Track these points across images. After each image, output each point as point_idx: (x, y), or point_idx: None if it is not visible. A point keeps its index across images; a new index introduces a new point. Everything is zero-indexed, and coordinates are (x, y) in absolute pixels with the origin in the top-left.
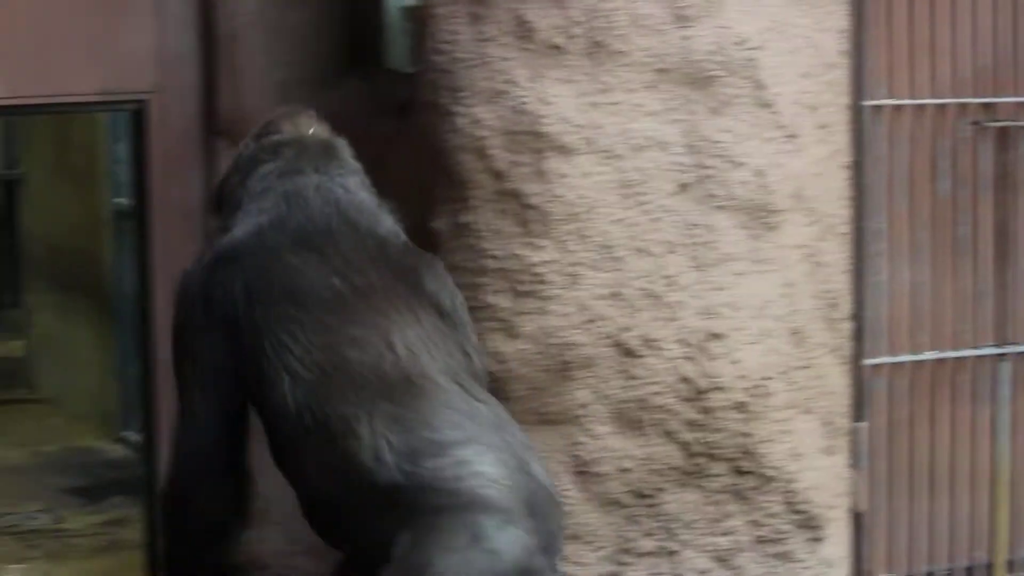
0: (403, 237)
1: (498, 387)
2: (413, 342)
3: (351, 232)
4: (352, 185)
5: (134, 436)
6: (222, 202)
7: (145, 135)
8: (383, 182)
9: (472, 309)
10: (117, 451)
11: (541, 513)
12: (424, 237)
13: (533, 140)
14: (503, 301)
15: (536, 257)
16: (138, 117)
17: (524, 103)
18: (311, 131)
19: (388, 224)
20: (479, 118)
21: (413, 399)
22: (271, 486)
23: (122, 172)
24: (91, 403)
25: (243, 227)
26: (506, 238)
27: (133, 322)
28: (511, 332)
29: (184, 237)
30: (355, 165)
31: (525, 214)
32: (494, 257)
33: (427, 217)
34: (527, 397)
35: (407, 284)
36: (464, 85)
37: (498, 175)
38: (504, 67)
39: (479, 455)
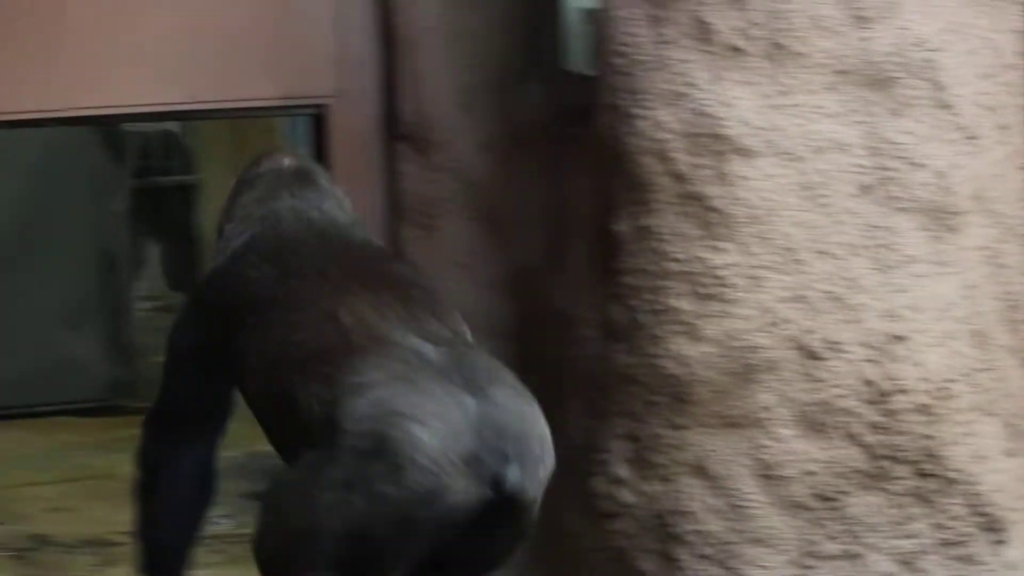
0: (378, 244)
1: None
2: (363, 310)
3: (319, 241)
4: (327, 207)
5: None
6: (219, 232)
7: (325, 140)
8: (563, 186)
9: (654, 313)
10: None
11: (496, 437)
12: (604, 241)
13: (714, 142)
14: (686, 304)
15: (718, 260)
16: (318, 122)
17: (705, 105)
18: (287, 162)
19: (362, 235)
20: (660, 121)
21: (349, 355)
22: None
23: None
24: None
25: (222, 253)
26: (688, 241)
27: None
28: (694, 335)
29: None
30: (331, 190)
31: (707, 217)
32: (676, 260)
33: (608, 220)
34: (710, 400)
35: (370, 269)
36: (644, 88)
37: (679, 178)
38: (684, 69)
39: (401, 393)
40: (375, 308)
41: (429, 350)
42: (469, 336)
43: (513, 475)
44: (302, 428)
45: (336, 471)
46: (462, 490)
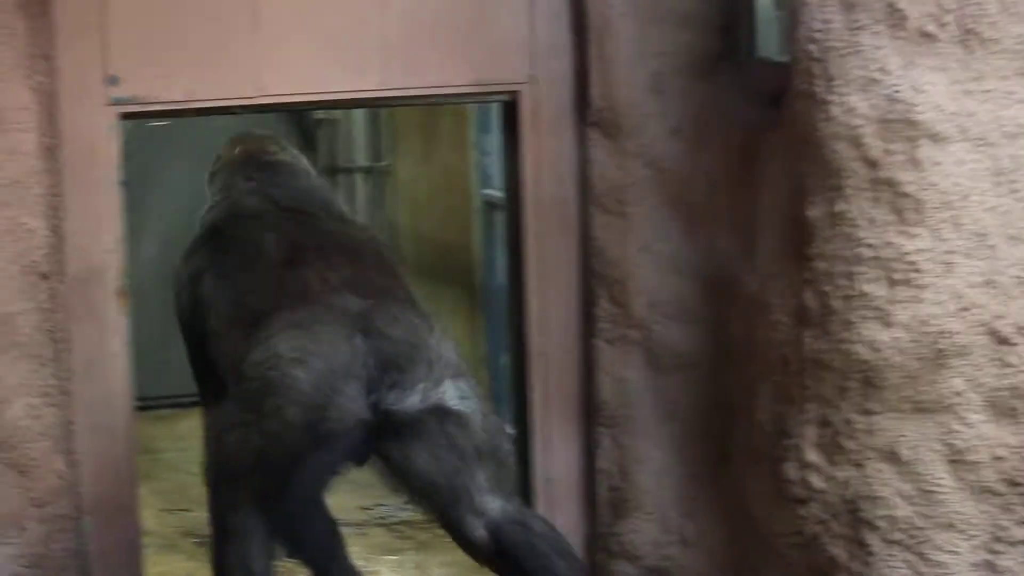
0: (338, 208)
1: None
2: (308, 275)
3: (276, 212)
4: (297, 183)
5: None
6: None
7: (517, 126)
8: (754, 172)
9: (846, 298)
10: None
11: (381, 367)
12: (797, 227)
13: (907, 128)
14: (878, 290)
15: (910, 245)
16: (511, 108)
17: (897, 91)
18: (238, 151)
19: (321, 203)
20: (853, 106)
21: (271, 314)
22: (645, 476)
23: (490, 164)
24: None
25: (198, 229)
26: (880, 227)
27: (502, 313)
28: (886, 321)
29: (557, 228)
30: (304, 169)
31: (899, 202)
32: (869, 246)
33: (800, 206)
34: (901, 385)
35: (321, 232)
36: (837, 74)
37: (872, 163)
38: (877, 55)
39: (287, 338)
40: (319, 272)
41: (354, 303)
42: (408, 292)
43: (392, 399)
44: (227, 383)
45: (235, 413)
46: (339, 417)
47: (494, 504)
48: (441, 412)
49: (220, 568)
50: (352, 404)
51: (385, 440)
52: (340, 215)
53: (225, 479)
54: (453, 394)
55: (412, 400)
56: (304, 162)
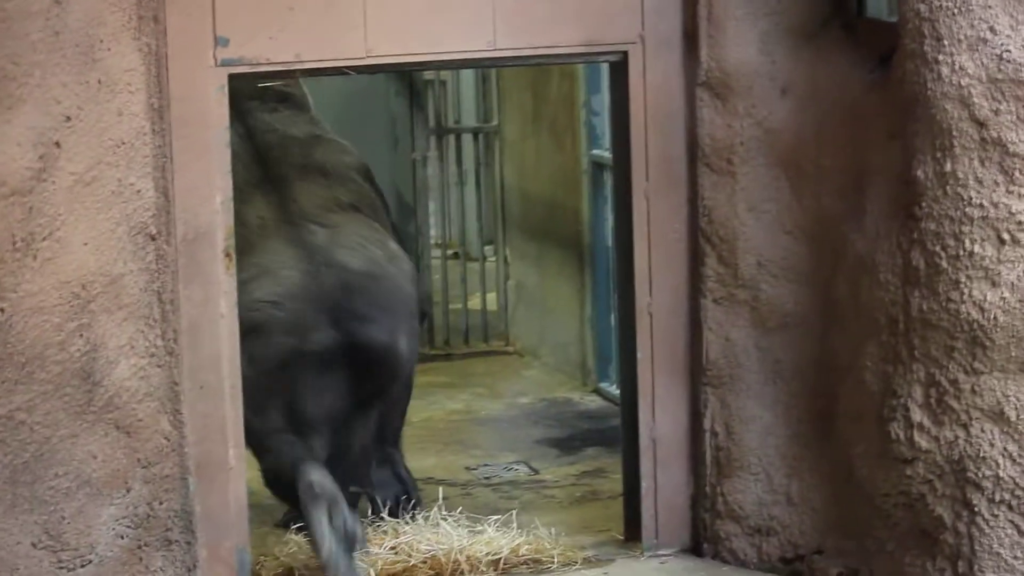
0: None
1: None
2: (265, 209)
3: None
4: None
5: (611, 388)
6: None
7: (626, 86)
8: (863, 132)
9: (954, 258)
10: (593, 402)
11: (347, 299)
12: (904, 186)
13: (1016, 87)
14: (986, 250)
15: (1019, 206)
16: (620, 68)
17: (1007, 51)
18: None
19: (306, 135)
20: (961, 66)
21: (246, 255)
22: (750, 436)
23: (599, 124)
24: (567, 355)
25: None
26: (989, 187)
27: (610, 273)
28: (993, 281)
29: (666, 187)
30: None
31: (1008, 162)
32: (978, 206)
33: (908, 166)
34: (1008, 345)
35: (292, 167)
36: (946, 33)
37: (981, 124)
38: (986, 15)
39: (262, 285)
40: (279, 205)
41: (319, 232)
42: (375, 209)
43: (359, 328)
44: None
45: (242, 355)
46: (318, 343)
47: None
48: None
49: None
50: (321, 334)
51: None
52: (317, 137)
53: (252, 413)
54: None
55: (380, 331)
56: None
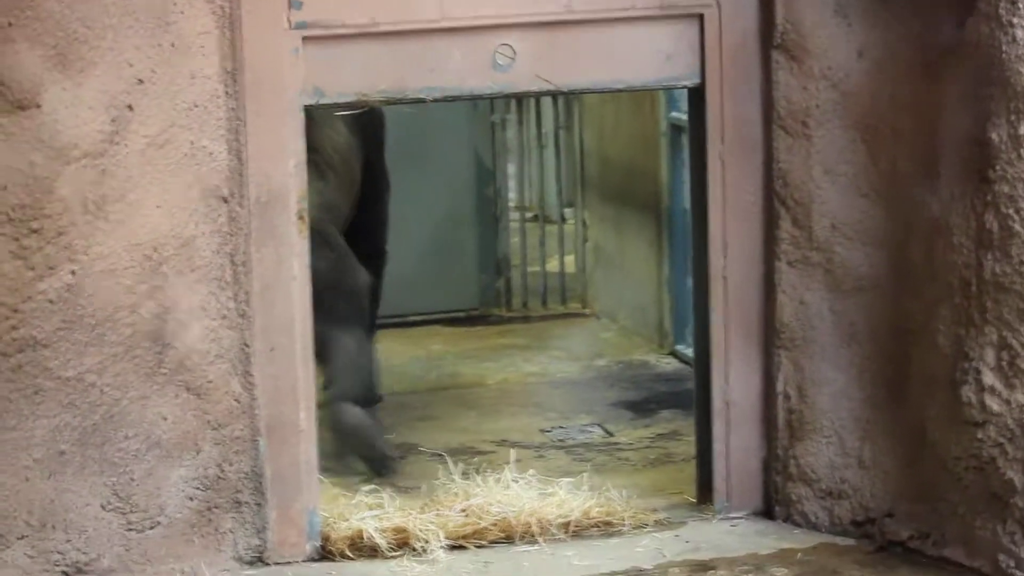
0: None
1: None
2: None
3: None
4: None
5: (687, 350)
6: None
7: (702, 49)
8: (938, 94)
9: None
10: (669, 365)
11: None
12: (979, 149)
13: None
14: None
15: None
16: (696, 30)
17: None
18: None
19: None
20: None
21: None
22: (823, 399)
23: None
24: (643, 317)
25: None
26: None
27: (686, 237)
28: None
29: (741, 150)
30: None
31: None
32: None
33: (982, 129)
34: None
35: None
36: None
37: None
38: None
39: (321, 257)
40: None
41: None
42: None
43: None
44: None
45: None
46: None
47: None
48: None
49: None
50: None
51: None
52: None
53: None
54: None
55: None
56: None
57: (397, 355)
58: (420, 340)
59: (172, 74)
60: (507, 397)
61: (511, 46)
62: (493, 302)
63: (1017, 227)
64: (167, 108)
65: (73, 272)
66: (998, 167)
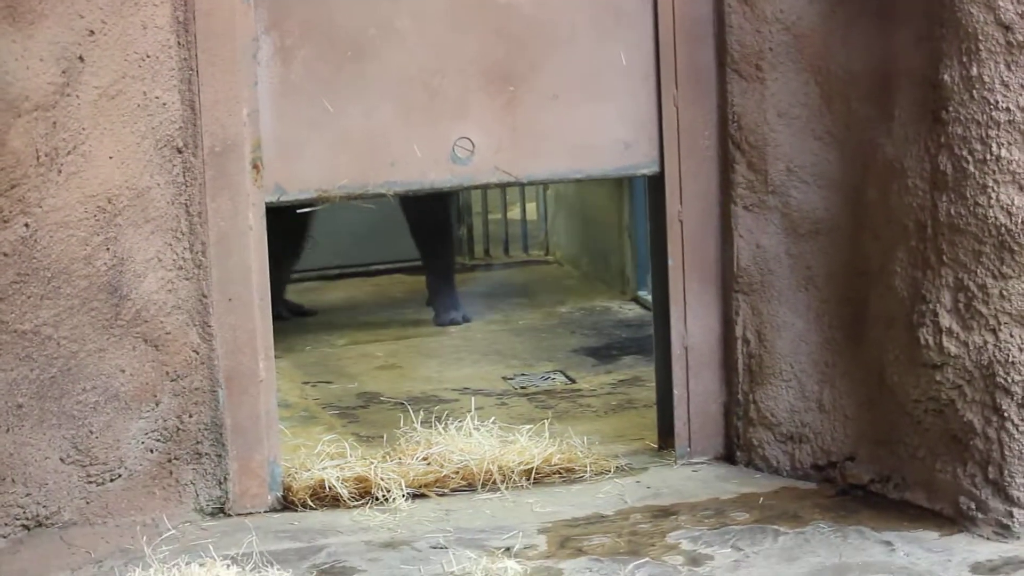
0: None
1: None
2: None
3: None
4: None
5: (648, 296)
6: None
7: None
8: (891, 36)
9: (982, 162)
10: (631, 311)
11: None
12: (932, 90)
13: None
14: (1012, 154)
15: None
16: None
17: None
18: None
19: None
20: None
21: None
22: (782, 343)
23: None
24: (605, 264)
25: None
26: (1015, 90)
27: (645, 184)
28: (1020, 185)
29: (695, 94)
30: None
31: None
32: (1005, 110)
33: (934, 70)
34: None
35: None
36: None
37: (1007, 27)
38: None
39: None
40: None
41: None
42: None
43: None
44: None
45: None
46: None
47: None
48: None
49: None
50: None
51: None
52: None
53: None
54: None
55: None
56: None
57: (360, 304)
58: (383, 289)
59: (123, 24)
60: (469, 345)
61: (470, 139)
62: (456, 250)
63: (971, 168)
64: (119, 59)
65: (27, 225)
66: (951, 108)
